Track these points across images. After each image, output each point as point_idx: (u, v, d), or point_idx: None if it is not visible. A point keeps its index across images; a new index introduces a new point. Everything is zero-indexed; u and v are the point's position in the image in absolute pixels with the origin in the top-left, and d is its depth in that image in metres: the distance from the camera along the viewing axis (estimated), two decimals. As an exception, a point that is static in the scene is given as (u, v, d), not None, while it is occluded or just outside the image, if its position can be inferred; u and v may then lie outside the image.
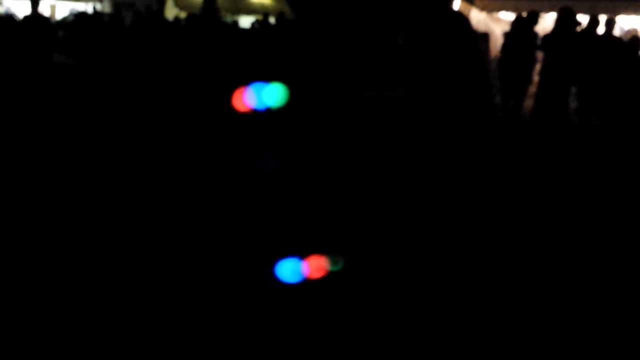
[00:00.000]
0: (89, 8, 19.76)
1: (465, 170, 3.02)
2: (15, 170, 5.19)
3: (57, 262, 3.41)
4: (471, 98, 2.99)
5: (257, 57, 8.33)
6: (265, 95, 4.00)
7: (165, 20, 10.75)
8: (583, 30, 8.22)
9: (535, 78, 8.58)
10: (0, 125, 7.01)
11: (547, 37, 7.93)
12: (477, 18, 13.48)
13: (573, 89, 8.28)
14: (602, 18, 8.71)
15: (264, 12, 14.49)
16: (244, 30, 13.48)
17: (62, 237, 3.75)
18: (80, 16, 14.53)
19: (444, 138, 2.96)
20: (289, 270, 3.24)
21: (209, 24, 7.92)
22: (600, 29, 8.53)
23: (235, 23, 15.23)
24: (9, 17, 11.47)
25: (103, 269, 3.34)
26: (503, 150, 6.40)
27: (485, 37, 9.97)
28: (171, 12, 18.00)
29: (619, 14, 11.88)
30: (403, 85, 3.02)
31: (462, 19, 3.09)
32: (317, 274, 3.22)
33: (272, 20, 13.72)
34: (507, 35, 9.34)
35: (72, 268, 3.34)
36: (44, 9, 15.87)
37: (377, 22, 3.31)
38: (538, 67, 8.52)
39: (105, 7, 20.69)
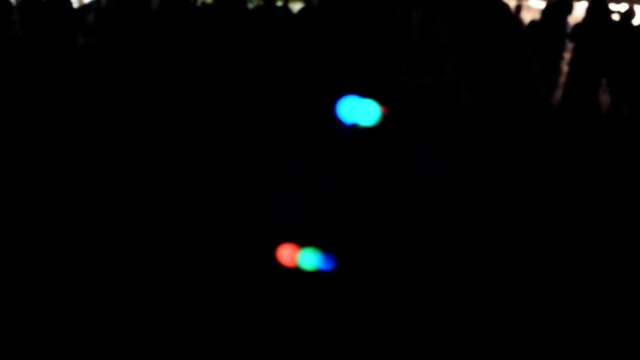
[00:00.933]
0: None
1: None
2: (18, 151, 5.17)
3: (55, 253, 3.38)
4: (515, 88, 2.89)
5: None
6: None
7: (191, 3, 10.67)
8: (616, 21, 7.99)
9: (565, 68, 8.39)
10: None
11: (577, 26, 7.72)
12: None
13: (603, 81, 8.06)
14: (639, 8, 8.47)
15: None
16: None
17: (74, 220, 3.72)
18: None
19: (484, 129, 2.86)
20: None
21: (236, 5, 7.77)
22: (636, 20, 8.28)
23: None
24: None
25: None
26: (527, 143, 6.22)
27: (534, 24, 9.69)
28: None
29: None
30: (435, 73, 2.93)
31: (504, 6, 2.98)
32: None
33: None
34: (537, 24, 9.10)
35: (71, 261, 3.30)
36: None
37: (382, 16, 3.22)
38: (568, 56, 8.31)
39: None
